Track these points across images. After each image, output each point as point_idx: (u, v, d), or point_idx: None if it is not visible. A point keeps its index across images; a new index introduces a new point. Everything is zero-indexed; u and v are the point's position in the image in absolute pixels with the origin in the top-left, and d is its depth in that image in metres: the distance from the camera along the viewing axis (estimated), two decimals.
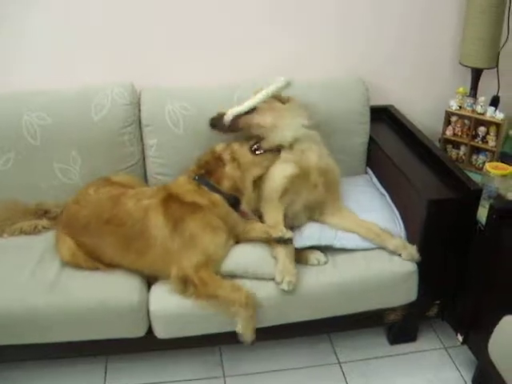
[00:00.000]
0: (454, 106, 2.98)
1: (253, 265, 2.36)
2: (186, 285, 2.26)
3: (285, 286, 2.28)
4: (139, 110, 2.73)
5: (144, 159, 2.79)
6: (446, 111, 3.00)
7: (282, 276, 2.29)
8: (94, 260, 2.38)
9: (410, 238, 2.51)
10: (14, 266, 2.38)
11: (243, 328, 2.26)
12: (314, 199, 2.52)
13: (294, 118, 2.54)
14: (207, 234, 2.32)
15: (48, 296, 2.26)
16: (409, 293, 2.51)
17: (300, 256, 2.41)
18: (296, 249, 2.41)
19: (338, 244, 2.47)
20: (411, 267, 2.44)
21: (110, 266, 2.38)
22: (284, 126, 2.50)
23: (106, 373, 2.60)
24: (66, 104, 2.66)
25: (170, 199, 2.38)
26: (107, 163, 2.69)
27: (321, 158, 2.52)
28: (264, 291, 2.32)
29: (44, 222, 2.63)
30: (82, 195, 2.51)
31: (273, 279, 2.32)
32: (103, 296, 2.28)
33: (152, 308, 2.31)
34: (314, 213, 2.58)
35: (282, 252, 2.33)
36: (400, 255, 2.44)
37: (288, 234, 2.36)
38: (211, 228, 2.34)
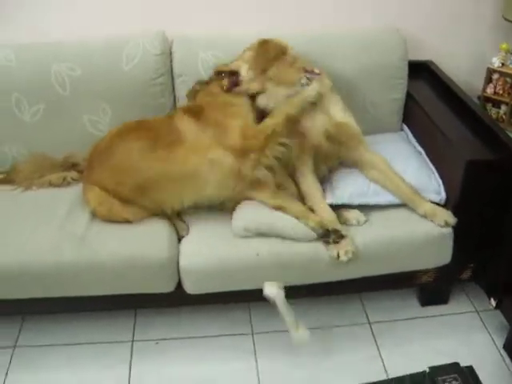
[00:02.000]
0: (496, 63, 2.87)
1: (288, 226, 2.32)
2: (247, 156, 2.28)
3: (344, 258, 2.25)
4: (171, 61, 2.67)
5: None
6: (488, 68, 2.89)
7: (336, 250, 2.26)
8: (122, 202, 2.35)
9: (447, 199, 2.44)
10: (43, 218, 2.36)
11: None
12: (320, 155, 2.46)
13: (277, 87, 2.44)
14: (230, 116, 2.36)
15: (76, 251, 2.25)
16: (443, 255, 2.46)
17: (339, 216, 2.36)
18: (332, 206, 2.36)
19: (372, 201, 2.42)
20: (446, 229, 2.38)
21: (139, 199, 2.35)
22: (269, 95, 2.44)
23: (134, 327, 2.61)
24: (95, 54, 2.60)
25: (184, 110, 2.47)
26: (137, 115, 2.61)
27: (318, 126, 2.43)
28: (291, 250, 2.31)
29: (73, 173, 2.61)
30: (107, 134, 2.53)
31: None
32: (132, 252, 2.27)
33: (182, 263, 2.29)
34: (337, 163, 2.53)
35: None
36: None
37: None
38: (230, 112, 2.38)
